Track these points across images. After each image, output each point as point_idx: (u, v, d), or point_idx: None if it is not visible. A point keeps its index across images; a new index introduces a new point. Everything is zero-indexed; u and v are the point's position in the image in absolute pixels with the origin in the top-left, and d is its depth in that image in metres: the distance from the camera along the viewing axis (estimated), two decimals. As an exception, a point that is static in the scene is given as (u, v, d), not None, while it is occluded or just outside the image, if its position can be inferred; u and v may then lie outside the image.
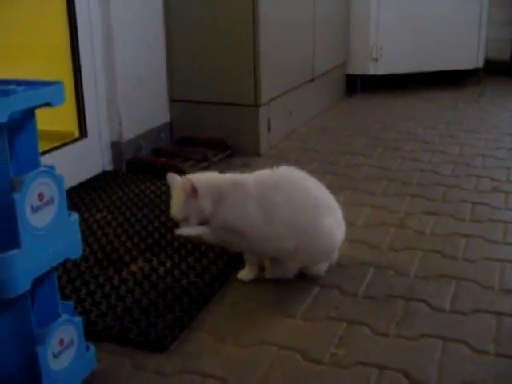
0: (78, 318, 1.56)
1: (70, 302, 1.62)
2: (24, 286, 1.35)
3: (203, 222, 1.95)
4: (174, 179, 1.99)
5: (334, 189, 2.78)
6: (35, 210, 1.35)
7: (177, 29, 3.40)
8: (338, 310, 1.89)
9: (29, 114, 1.36)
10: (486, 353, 1.68)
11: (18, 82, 1.37)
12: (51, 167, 1.43)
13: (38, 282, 1.42)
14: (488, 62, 5.09)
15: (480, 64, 4.93)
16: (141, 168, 3.15)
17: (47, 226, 1.39)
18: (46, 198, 1.38)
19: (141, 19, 3.21)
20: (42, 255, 1.39)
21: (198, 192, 1.92)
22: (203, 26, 3.37)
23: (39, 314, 1.47)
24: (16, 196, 1.29)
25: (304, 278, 2.05)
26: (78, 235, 1.50)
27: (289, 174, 2.05)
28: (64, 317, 1.52)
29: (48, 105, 1.36)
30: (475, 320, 1.83)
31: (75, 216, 1.49)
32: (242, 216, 1.93)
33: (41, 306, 1.48)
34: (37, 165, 1.38)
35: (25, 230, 1.32)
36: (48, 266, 1.42)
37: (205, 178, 1.98)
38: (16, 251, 1.31)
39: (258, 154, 3.37)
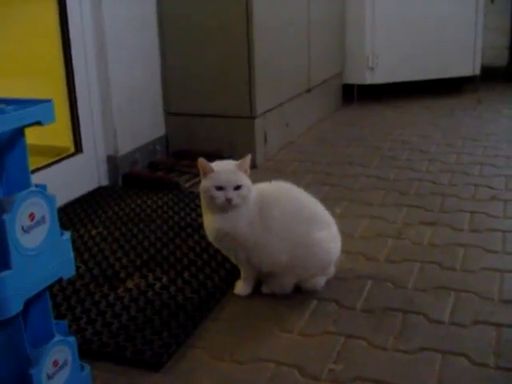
0: (72, 338, 1.54)
1: (65, 322, 1.60)
2: (16, 307, 1.33)
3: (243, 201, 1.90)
4: (205, 161, 1.90)
5: (331, 200, 2.80)
6: (26, 230, 1.34)
7: (171, 41, 3.40)
8: (336, 324, 1.87)
9: (18, 134, 1.34)
10: (486, 366, 1.66)
11: (7, 101, 1.36)
12: (42, 186, 1.42)
13: (30, 302, 1.41)
14: (485, 69, 5.08)
15: (477, 71, 4.92)
16: (137, 182, 3.14)
17: (39, 246, 1.37)
18: (36, 218, 1.36)
19: (135, 32, 3.21)
20: (33, 276, 1.37)
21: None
22: (198, 38, 3.36)
23: (32, 335, 1.45)
24: (6, 217, 1.27)
25: (301, 293, 2.04)
26: (71, 254, 1.48)
27: (286, 188, 2.04)
28: (58, 337, 1.49)
29: (38, 124, 1.34)
30: (475, 332, 1.81)
31: (67, 235, 1.48)
32: (248, 225, 1.92)
33: (34, 327, 1.46)
34: (27, 184, 1.37)
35: (15, 250, 1.31)
36: (40, 286, 1.40)
37: None
38: (7, 272, 1.29)
39: (255, 167, 3.35)
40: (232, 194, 1.86)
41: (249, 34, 3.23)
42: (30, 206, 1.35)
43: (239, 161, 1.92)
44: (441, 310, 1.92)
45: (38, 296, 1.43)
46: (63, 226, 2.58)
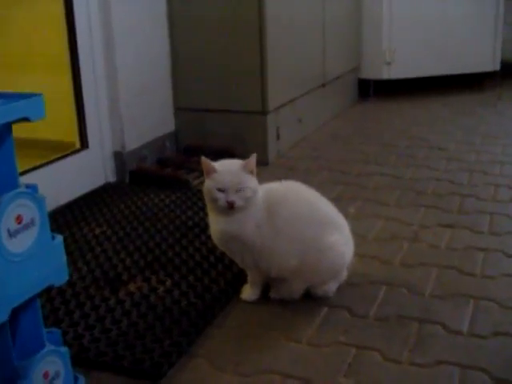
0: (65, 348, 1.45)
1: (58, 330, 1.51)
2: (1, 316, 1.23)
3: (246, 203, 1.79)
4: (208, 161, 1.81)
5: (344, 199, 2.71)
6: (12, 234, 1.24)
7: (181, 35, 3.30)
8: (348, 334, 1.76)
9: (4, 131, 1.24)
10: (507, 382, 1.55)
11: (-5, 96, 1.26)
12: (33, 187, 1.32)
13: (18, 311, 1.32)
14: (505, 65, 4.94)
15: (497, 66, 4.78)
16: (144, 179, 3.04)
17: (27, 251, 1.28)
18: (24, 221, 1.27)
19: (144, 26, 3.11)
20: (21, 283, 1.28)
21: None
22: (208, 31, 3.26)
23: (22, 346, 1.36)
24: (-11, 220, 1.18)
25: (312, 299, 1.93)
26: (63, 259, 1.39)
27: (296, 188, 1.93)
28: (48, 347, 1.40)
29: (26, 120, 1.25)
30: (495, 344, 1.69)
31: (60, 239, 1.38)
32: (255, 228, 1.82)
33: (23, 337, 1.37)
34: (15, 185, 1.27)
35: (0, 256, 1.21)
36: (28, 294, 1.31)
37: None
38: (-10, 280, 1.20)
39: (266, 164, 3.25)
40: (233, 197, 1.76)
41: (261, 27, 3.13)
42: (17, 208, 1.25)
43: (244, 161, 1.81)
44: (459, 319, 1.81)
45: (27, 304, 1.34)
46: (67, 224, 2.53)
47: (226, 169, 1.80)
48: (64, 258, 1.39)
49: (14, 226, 1.25)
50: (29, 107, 1.25)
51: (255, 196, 1.80)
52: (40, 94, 1.28)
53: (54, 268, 1.36)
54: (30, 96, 1.26)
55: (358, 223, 2.43)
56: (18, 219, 1.26)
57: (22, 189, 1.27)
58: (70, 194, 2.83)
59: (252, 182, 1.80)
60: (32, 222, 1.29)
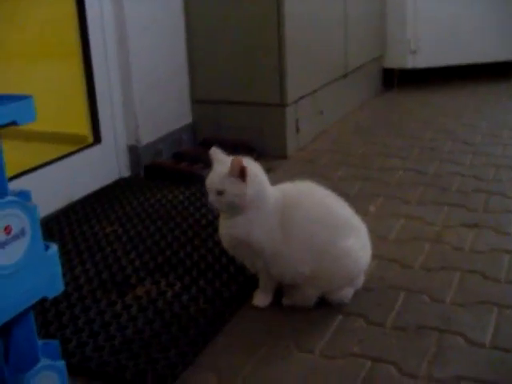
0: (61, 362, 1.38)
1: (55, 341, 1.44)
2: (-10, 332, 1.17)
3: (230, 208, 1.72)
4: (217, 153, 1.76)
5: (365, 196, 2.62)
6: (1, 245, 1.17)
7: (198, 26, 3.20)
8: (363, 345, 1.67)
9: (-8, 135, 1.17)
10: (533, 400, 1.45)
11: (-17, 98, 1.19)
12: (24, 195, 1.25)
13: (10, 325, 1.25)
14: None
15: (526, 55, 4.62)
16: (160, 174, 2.96)
17: (17, 262, 1.21)
18: (14, 232, 1.20)
19: (159, 16, 3.01)
20: (11, 296, 1.21)
21: (248, 177, 1.69)
22: (226, 22, 3.16)
23: (15, 361, 1.30)
24: (-26, 232, 1.11)
25: (326, 305, 1.84)
26: (57, 270, 1.31)
27: (310, 190, 1.83)
28: (44, 362, 1.33)
29: (13, 124, 1.17)
30: (521, 358, 1.59)
31: (54, 248, 1.30)
32: (265, 232, 1.74)
33: (17, 352, 1.30)
34: (3, 193, 1.19)
35: (-13, 269, 1.14)
36: (20, 307, 1.24)
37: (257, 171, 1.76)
38: (-23, 295, 1.13)
39: (285, 157, 3.15)
40: (212, 199, 1.71)
41: (279, 18, 3.02)
42: (6, 217, 1.18)
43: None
44: (482, 329, 1.70)
45: (20, 318, 1.26)
46: (78, 222, 2.47)
47: (216, 169, 1.73)
48: (59, 268, 1.32)
49: (2, 236, 1.17)
50: (17, 111, 1.17)
51: (241, 202, 1.70)
52: (30, 97, 1.20)
53: (48, 279, 1.29)
54: (20, 99, 1.19)
55: (377, 223, 2.34)
56: (7, 230, 1.18)
57: (11, 197, 1.20)
58: (83, 189, 2.76)
59: (235, 187, 1.68)
60: (22, 233, 1.22)
